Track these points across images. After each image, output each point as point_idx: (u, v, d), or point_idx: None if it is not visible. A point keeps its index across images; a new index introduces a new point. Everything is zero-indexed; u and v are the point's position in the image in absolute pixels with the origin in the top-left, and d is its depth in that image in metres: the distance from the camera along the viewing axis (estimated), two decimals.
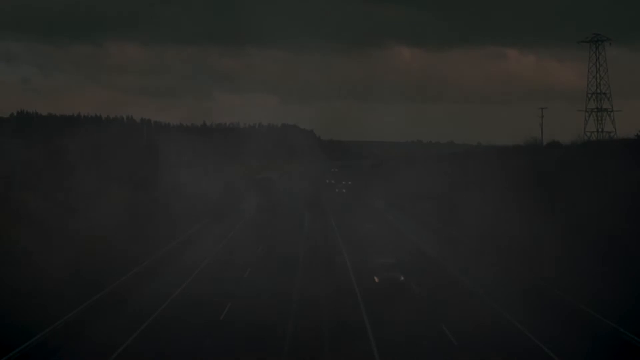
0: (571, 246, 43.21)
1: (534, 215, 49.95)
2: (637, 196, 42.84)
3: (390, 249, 51.73)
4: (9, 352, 26.00)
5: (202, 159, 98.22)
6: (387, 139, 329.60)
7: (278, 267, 46.85)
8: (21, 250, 40.86)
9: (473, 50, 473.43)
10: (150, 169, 75.90)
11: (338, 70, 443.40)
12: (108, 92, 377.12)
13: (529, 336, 31.02)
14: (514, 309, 35.29)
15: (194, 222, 66.89)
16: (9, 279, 35.76)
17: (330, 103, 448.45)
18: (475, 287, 41.02)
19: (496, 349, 29.22)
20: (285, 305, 36.10)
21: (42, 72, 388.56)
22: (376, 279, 40.78)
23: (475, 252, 50.25)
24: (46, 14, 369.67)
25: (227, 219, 74.25)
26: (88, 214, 52.30)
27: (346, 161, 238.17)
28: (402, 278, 40.68)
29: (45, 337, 28.84)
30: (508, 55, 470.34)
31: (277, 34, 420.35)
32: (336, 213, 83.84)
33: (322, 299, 37.50)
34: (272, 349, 28.76)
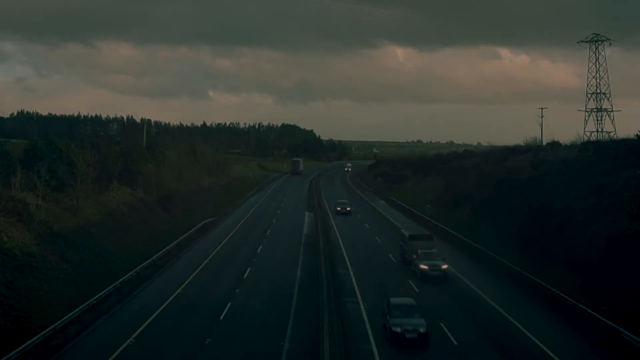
0: None
1: None
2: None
3: None
4: None
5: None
6: (387, 139, 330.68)
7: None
8: None
9: (471, 50, 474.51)
10: None
11: (338, 70, 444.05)
12: (107, 92, 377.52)
13: None
14: None
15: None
16: None
17: (330, 103, 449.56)
18: None
19: None
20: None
21: (44, 73, 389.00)
22: None
23: None
24: (48, 14, 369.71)
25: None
26: None
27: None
28: None
29: None
30: (502, 55, 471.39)
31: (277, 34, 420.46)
32: None
33: None
34: None
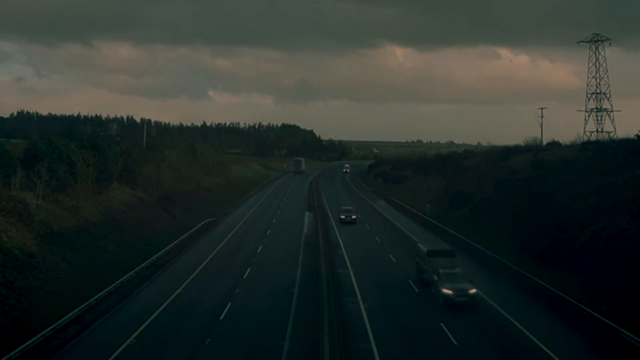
0: None
1: None
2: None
3: None
4: None
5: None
6: (387, 139, 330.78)
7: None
8: None
9: (470, 50, 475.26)
10: None
11: (338, 70, 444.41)
12: (106, 92, 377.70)
13: None
14: None
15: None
16: None
17: (330, 103, 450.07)
18: None
19: None
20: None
21: (44, 73, 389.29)
22: None
23: None
24: (48, 14, 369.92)
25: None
26: None
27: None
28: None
29: None
30: (502, 55, 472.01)
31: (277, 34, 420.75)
32: None
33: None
34: None
